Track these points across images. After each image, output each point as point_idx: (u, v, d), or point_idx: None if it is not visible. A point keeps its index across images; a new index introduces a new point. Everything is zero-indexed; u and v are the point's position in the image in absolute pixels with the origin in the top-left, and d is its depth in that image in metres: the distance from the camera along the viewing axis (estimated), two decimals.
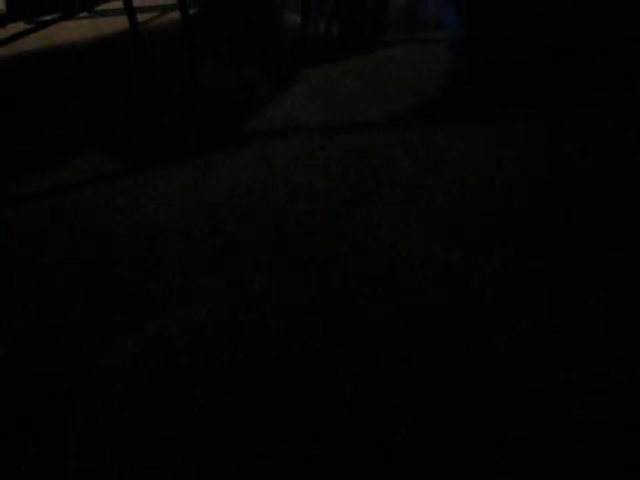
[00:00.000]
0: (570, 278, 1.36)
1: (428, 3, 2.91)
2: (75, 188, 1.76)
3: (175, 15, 2.52)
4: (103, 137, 2.00)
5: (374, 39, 2.58)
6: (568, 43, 2.56)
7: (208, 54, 2.49)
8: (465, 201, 1.63)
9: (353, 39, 2.59)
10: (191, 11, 2.69)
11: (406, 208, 1.64)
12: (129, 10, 2.32)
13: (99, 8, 2.72)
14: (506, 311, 1.28)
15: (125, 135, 2.00)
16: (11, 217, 1.66)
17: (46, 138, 2.00)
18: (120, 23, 2.41)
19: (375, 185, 1.73)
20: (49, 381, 1.19)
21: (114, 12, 2.54)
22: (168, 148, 1.95)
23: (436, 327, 1.25)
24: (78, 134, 2.02)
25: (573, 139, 1.93)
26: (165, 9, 2.73)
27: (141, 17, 2.65)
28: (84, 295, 1.38)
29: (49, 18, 2.51)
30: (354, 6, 2.89)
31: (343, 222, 1.57)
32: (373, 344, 1.22)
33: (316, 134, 1.99)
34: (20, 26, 2.59)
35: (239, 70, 2.39)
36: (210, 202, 1.68)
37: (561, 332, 1.24)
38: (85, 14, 2.67)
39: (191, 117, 2.10)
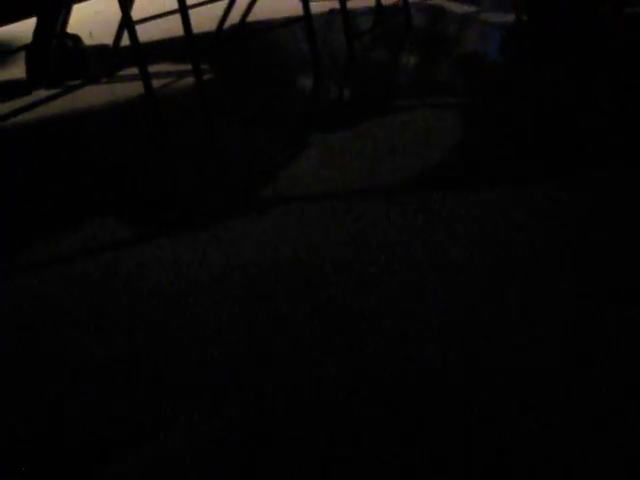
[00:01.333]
0: None
1: (439, 66, 2.94)
2: (86, 255, 1.76)
3: (191, 80, 2.57)
4: (118, 201, 2.02)
5: (385, 103, 2.60)
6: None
7: (222, 115, 2.52)
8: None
9: (365, 103, 2.61)
10: (205, 77, 2.73)
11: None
12: (144, 75, 2.36)
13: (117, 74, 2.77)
14: None
15: (139, 198, 2.01)
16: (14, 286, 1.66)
17: (59, 201, 2.02)
18: (137, 88, 2.45)
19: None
20: None
21: (132, 77, 2.59)
22: (182, 211, 1.95)
23: None
24: (92, 197, 2.03)
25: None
26: (181, 75, 2.78)
27: (157, 82, 2.70)
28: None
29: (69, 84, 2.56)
30: (366, 70, 2.92)
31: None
32: None
33: (325, 201, 1.98)
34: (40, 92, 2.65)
35: (253, 131, 2.41)
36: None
37: None
38: (103, 79, 2.72)
39: (204, 179, 2.11)
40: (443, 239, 1.83)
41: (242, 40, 3.13)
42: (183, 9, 2.40)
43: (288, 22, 3.19)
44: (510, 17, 3.51)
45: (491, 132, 2.42)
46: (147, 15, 2.94)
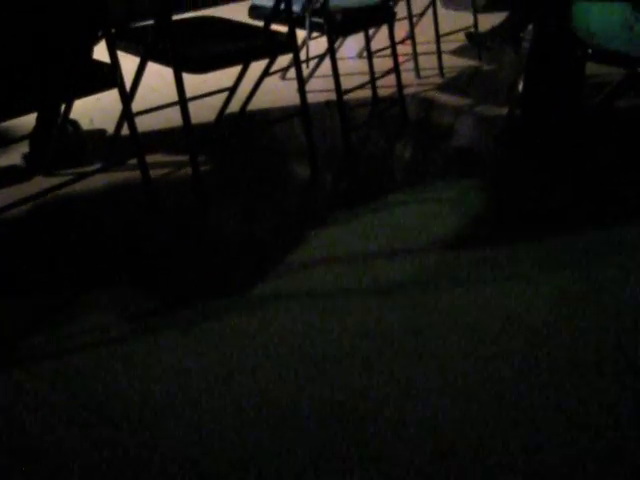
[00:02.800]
0: None
1: (433, 160, 2.98)
2: (76, 350, 1.76)
3: (189, 171, 2.60)
4: (112, 291, 2.02)
5: (381, 198, 2.63)
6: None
7: (219, 207, 2.54)
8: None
9: (360, 198, 2.64)
10: (202, 168, 2.77)
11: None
12: (143, 166, 2.39)
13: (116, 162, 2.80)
14: None
15: (132, 289, 2.01)
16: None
17: (50, 292, 2.02)
18: (135, 177, 2.48)
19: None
20: None
21: (131, 166, 2.62)
22: (174, 303, 1.95)
23: None
24: (85, 287, 2.03)
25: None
26: (179, 166, 2.81)
27: (155, 172, 2.73)
28: None
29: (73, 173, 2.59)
30: (362, 163, 2.96)
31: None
32: None
33: (318, 298, 1.99)
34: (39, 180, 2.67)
35: (249, 223, 2.42)
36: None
37: None
38: (101, 167, 2.75)
39: (199, 272, 2.12)
40: (436, 337, 1.83)
41: (240, 134, 3.17)
42: (182, 101, 2.44)
43: (286, 117, 3.25)
44: (503, 110, 3.58)
45: (482, 232, 2.45)
46: (149, 103, 2.98)
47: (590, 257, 2.30)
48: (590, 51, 3.13)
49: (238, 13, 3.17)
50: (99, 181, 2.67)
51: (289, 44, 2.60)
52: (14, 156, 2.81)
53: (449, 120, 3.55)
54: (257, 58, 2.72)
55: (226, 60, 2.44)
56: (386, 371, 1.71)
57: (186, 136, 2.50)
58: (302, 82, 2.72)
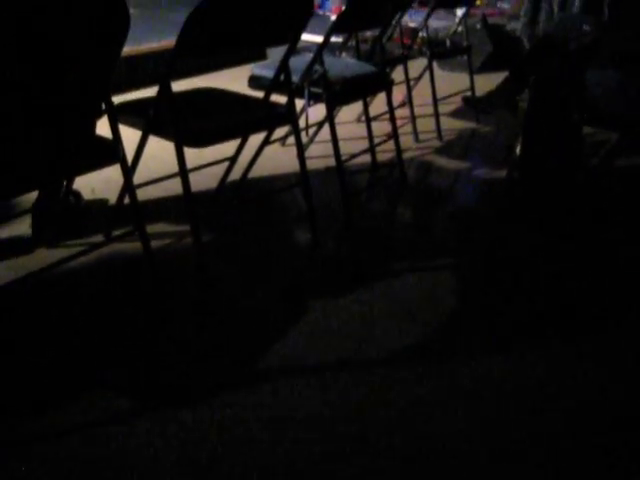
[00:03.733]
0: None
1: (433, 226, 2.99)
2: (71, 433, 1.75)
3: (190, 242, 2.61)
4: (112, 370, 2.01)
5: (381, 266, 2.63)
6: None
7: (220, 279, 2.54)
8: None
9: (361, 267, 2.64)
10: (204, 238, 2.77)
11: None
12: (144, 238, 2.39)
13: (116, 233, 2.81)
14: None
15: (133, 368, 2.01)
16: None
17: (49, 371, 2.01)
18: (136, 248, 2.48)
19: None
20: None
21: (132, 237, 2.62)
22: (177, 378, 1.95)
23: None
24: (84, 365, 2.03)
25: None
26: (180, 236, 2.82)
27: (156, 243, 2.73)
28: None
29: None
30: (362, 231, 2.97)
31: None
32: None
33: (324, 374, 1.99)
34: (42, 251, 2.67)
35: (251, 296, 2.42)
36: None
37: None
38: (101, 239, 2.76)
39: (198, 348, 2.11)
40: (433, 411, 1.82)
41: (241, 204, 3.19)
42: (183, 173, 2.46)
43: (286, 187, 3.27)
44: (502, 173, 3.61)
45: (484, 301, 2.45)
46: (150, 172, 3.00)
47: (588, 320, 2.30)
48: (586, 115, 3.17)
49: (237, 81, 3.22)
50: (100, 253, 2.68)
51: (289, 115, 2.63)
52: (18, 227, 2.81)
53: (448, 184, 3.58)
54: (257, 131, 2.75)
55: (227, 134, 2.46)
56: (390, 449, 1.70)
57: (187, 207, 2.51)
58: (302, 152, 2.74)
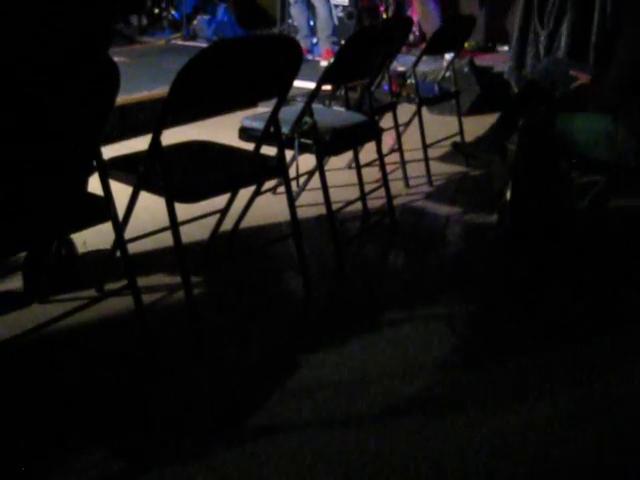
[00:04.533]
0: None
1: (425, 274, 2.99)
2: None
3: (182, 295, 2.60)
4: (106, 428, 2.00)
5: (374, 318, 2.63)
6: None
7: (213, 333, 2.53)
8: None
9: (353, 318, 2.64)
10: (196, 291, 2.77)
11: None
12: (135, 293, 2.39)
13: (108, 287, 2.80)
14: None
15: (127, 424, 2.00)
16: None
17: (41, 434, 2.00)
18: (127, 303, 2.47)
19: None
20: None
21: (123, 291, 2.61)
22: (170, 437, 1.93)
23: None
24: (77, 425, 2.01)
25: None
26: (172, 289, 2.82)
27: (148, 297, 2.73)
28: None
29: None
30: (354, 280, 2.97)
31: None
32: None
33: (320, 430, 1.98)
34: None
35: (243, 351, 2.42)
36: None
37: None
38: (94, 293, 2.75)
39: (194, 400, 2.10)
40: (433, 466, 1.81)
41: (233, 256, 3.20)
42: (174, 228, 2.46)
43: (278, 239, 3.27)
44: (492, 218, 3.62)
45: (481, 349, 2.44)
46: (141, 224, 3.01)
47: (592, 371, 2.29)
48: (574, 160, 3.19)
49: (227, 129, 3.24)
50: (92, 307, 2.66)
51: (279, 168, 2.64)
52: (10, 282, 2.80)
53: (440, 230, 3.59)
54: (248, 185, 2.77)
55: (217, 189, 2.48)
56: None
57: (179, 262, 2.51)
58: (293, 203, 2.75)
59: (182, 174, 2.43)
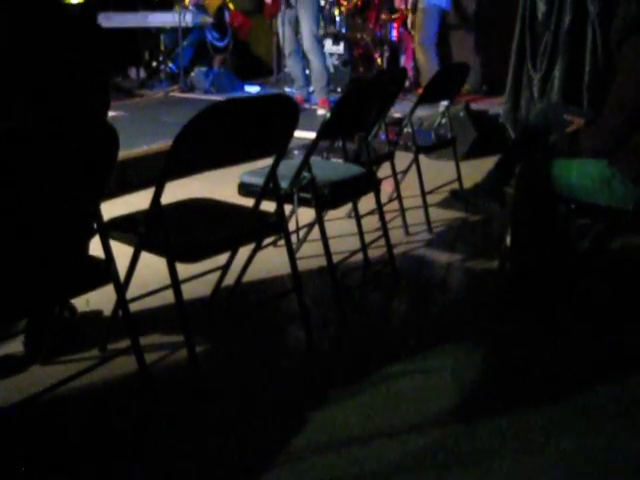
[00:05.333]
0: None
1: (427, 323, 3.00)
2: None
3: (185, 354, 2.59)
4: None
5: (377, 370, 2.63)
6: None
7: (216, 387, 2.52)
8: None
9: (357, 370, 2.64)
10: (199, 348, 2.76)
11: None
12: (138, 352, 2.39)
13: (111, 347, 2.80)
14: None
15: None
16: None
17: None
18: (130, 362, 2.47)
19: None
20: None
21: (126, 349, 2.61)
22: None
23: None
24: None
25: None
26: (174, 347, 2.82)
27: (151, 356, 2.72)
28: None
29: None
30: (356, 331, 2.97)
31: None
32: None
33: None
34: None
35: (247, 401, 2.41)
36: None
37: None
38: (97, 353, 2.75)
39: (197, 459, 2.09)
40: None
41: (235, 312, 3.20)
42: (176, 287, 2.47)
43: (279, 294, 3.28)
44: (493, 264, 3.63)
45: (483, 401, 2.43)
46: (142, 281, 3.01)
47: (595, 417, 2.28)
48: (573, 206, 3.21)
49: (226, 182, 3.26)
50: (95, 370, 2.66)
51: (279, 225, 2.66)
52: (10, 344, 2.80)
53: (441, 279, 3.60)
54: (248, 243, 2.78)
55: (218, 249, 2.50)
56: None
57: (180, 320, 2.51)
58: (293, 258, 2.76)
59: (183, 234, 2.45)
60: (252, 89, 8.63)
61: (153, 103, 8.04)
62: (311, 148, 2.83)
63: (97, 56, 2.44)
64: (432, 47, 7.62)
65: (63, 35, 2.26)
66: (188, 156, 2.25)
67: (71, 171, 2.04)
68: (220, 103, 2.23)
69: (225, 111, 2.28)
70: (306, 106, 7.26)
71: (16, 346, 2.78)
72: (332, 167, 3.34)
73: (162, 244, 2.33)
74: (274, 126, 2.50)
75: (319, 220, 3.00)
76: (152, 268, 3.01)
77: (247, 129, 2.39)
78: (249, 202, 2.87)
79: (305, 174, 2.86)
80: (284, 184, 2.89)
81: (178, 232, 2.43)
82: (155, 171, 3.63)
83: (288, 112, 2.49)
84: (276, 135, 2.54)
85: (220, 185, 2.92)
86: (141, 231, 2.44)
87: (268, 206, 2.80)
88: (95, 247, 2.34)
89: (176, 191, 2.74)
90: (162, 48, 9.30)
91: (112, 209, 2.50)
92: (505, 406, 2.42)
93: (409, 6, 7.97)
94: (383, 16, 8.37)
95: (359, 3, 8.59)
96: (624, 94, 2.96)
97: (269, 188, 2.72)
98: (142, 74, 9.63)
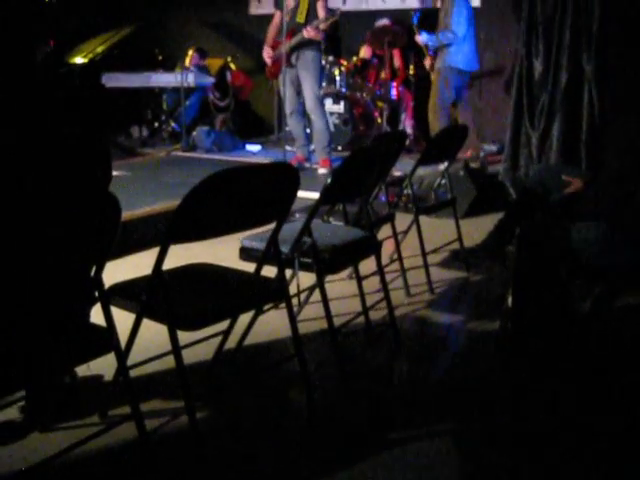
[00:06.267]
0: None
1: (429, 388, 2.97)
2: None
3: (186, 420, 2.57)
4: None
5: (380, 437, 2.61)
6: None
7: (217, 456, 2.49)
8: None
9: (360, 438, 2.61)
10: (200, 414, 2.75)
11: None
12: (138, 420, 2.38)
13: (112, 413, 2.78)
14: None
15: None
16: None
17: None
18: (132, 428, 2.45)
19: None
20: None
21: (126, 416, 2.59)
22: None
23: None
24: None
25: None
26: (175, 414, 2.80)
27: (151, 423, 2.70)
28: None
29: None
30: (358, 398, 2.95)
31: None
32: None
33: None
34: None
35: (245, 474, 2.39)
36: None
37: None
38: (97, 419, 2.73)
39: None
40: None
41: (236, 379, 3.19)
42: (177, 354, 2.47)
43: (281, 360, 3.26)
44: (495, 325, 3.62)
45: (486, 467, 2.41)
46: (143, 345, 3.00)
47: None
48: (573, 267, 3.22)
49: (227, 244, 3.27)
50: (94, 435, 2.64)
51: (280, 292, 2.67)
52: (8, 410, 2.78)
53: (442, 341, 3.59)
54: (249, 310, 2.79)
55: (220, 317, 2.50)
56: None
57: (182, 387, 2.50)
58: (295, 324, 2.77)
59: (184, 302, 2.45)
60: (253, 148, 8.72)
61: (155, 162, 8.13)
62: (312, 213, 2.85)
63: (99, 127, 2.47)
64: (444, 109, 7.42)
65: (65, 108, 2.30)
66: (189, 227, 2.27)
67: (73, 241, 2.06)
68: (220, 173, 2.26)
69: (226, 181, 2.30)
70: (307, 165, 7.32)
71: (14, 412, 2.76)
72: (333, 230, 3.36)
73: (164, 312, 2.34)
74: (275, 194, 2.53)
75: (320, 284, 3.01)
76: (153, 331, 3.01)
77: (248, 198, 2.42)
78: (250, 266, 2.88)
79: (306, 239, 2.88)
80: (285, 248, 2.91)
81: (180, 300, 2.44)
82: (156, 232, 3.69)
83: (289, 179, 2.52)
84: (277, 202, 2.56)
85: (221, 245, 2.93)
86: (143, 298, 2.45)
87: (269, 269, 2.82)
88: (97, 311, 2.35)
89: (178, 251, 2.75)
90: (164, 107, 9.44)
91: (113, 269, 2.51)
92: (509, 472, 2.39)
93: (428, 67, 7.86)
94: (382, 75, 8.48)
95: (358, 63, 8.73)
96: (621, 158, 3.00)
97: (270, 253, 2.74)
98: (145, 133, 9.75)
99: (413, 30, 7.75)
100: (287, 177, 2.51)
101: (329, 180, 2.88)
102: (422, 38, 7.50)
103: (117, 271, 2.63)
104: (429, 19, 7.87)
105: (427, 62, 7.82)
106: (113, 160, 2.57)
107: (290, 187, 2.53)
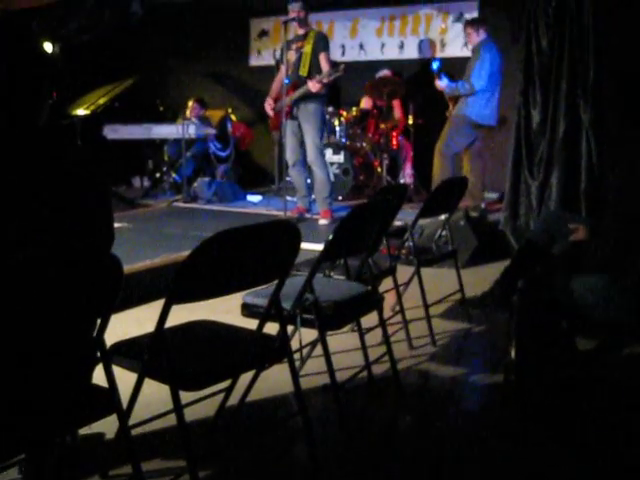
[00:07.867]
0: None
1: (433, 444, 2.95)
2: None
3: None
4: None
5: None
6: None
7: None
8: None
9: None
10: (202, 473, 2.72)
11: None
12: (138, 477, 2.35)
13: (112, 472, 2.76)
14: None
15: None
16: None
17: None
18: None
19: None
20: None
21: (126, 478, 2.57)
22: None
23: None
24: None
25: None
26: (178, 472, 2.77)
27: None
28: None
29: None
30: (362, 455, 2.93)
31: None
32: None
33: None
34: None
35: None
36: None
37: None
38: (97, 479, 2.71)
39: None
40: None
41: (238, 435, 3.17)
42: (179, 414, 2.45)
43: (284, 418, 3.24)
44: (498, 378, 3.60)
45: None
46: (144, 401, 2.97)
47: None
48: (576, 322, 3.22)
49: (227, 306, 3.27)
50: None
51: (282, 350, 2.66)
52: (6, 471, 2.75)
53: (445, 395, 3.57)
54: (251, 369, 2.78)
55: (221, 377, 2.50)
56: None
57: (183, 446, 2.48)
58: (297, 381, 2.75)
59: (186, 362, 2.44)
60: (254, 198, 8.77)
61: (156, 213, 8.16)
62: (313, 270, 2.86)
63: (101, 183, 2.48)
64: (449, 157, 7.35)
65: (66, 169, 2.31)
66: (191, 288, 2.28)
67: (75, 304, 2.06)
68: (221, 234, 2.27)
69: (226, 242, 2.31)
70: (308, 216, 7.34)
71: (13, 473, 2.73)
72: (334, 286, 3.36)
73: (166, 373, 2.33)
74: (276, 253, 2.54)
75: (322, 340, 3.00)
76: (155, 387, 3.00)
77: (250, 258, 2.43)
78: (251, 321, 2.88)
79: (308, 295, 2.88)
80: (286, 305, 2.91)
81: (181, 360, 2.43)
82: (158, 285, 3.69)
83: (289, 238, 2.53)
84: (278, 262, 2.57)
85: (222, 298, 2.94)
86: (145, 358, 2.44)
87: (271, 326, 2.81)
88: (99, 369, 2.34)
89: (179, 308, 2.75)
90: (166, 158, 9.50)
91: (114, 323, 2.49)
92: None
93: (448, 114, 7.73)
94: (382, 125, 8.55)
95: (358, 113, 8.81)
96: (623, 214, 3.01)
97: (272, 311, 2.74)
98: (146, 184, 9.81)
99: (432, 75, 7.59)
100: (288, 236, 2.52)
101: (330, 237, 2.89)
102: (441, 83, 7.43)
103: (118, 325, 2.61)
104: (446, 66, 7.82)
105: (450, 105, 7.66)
106: (114, 212, 2.57)
107: (291, 246, 2.54)
